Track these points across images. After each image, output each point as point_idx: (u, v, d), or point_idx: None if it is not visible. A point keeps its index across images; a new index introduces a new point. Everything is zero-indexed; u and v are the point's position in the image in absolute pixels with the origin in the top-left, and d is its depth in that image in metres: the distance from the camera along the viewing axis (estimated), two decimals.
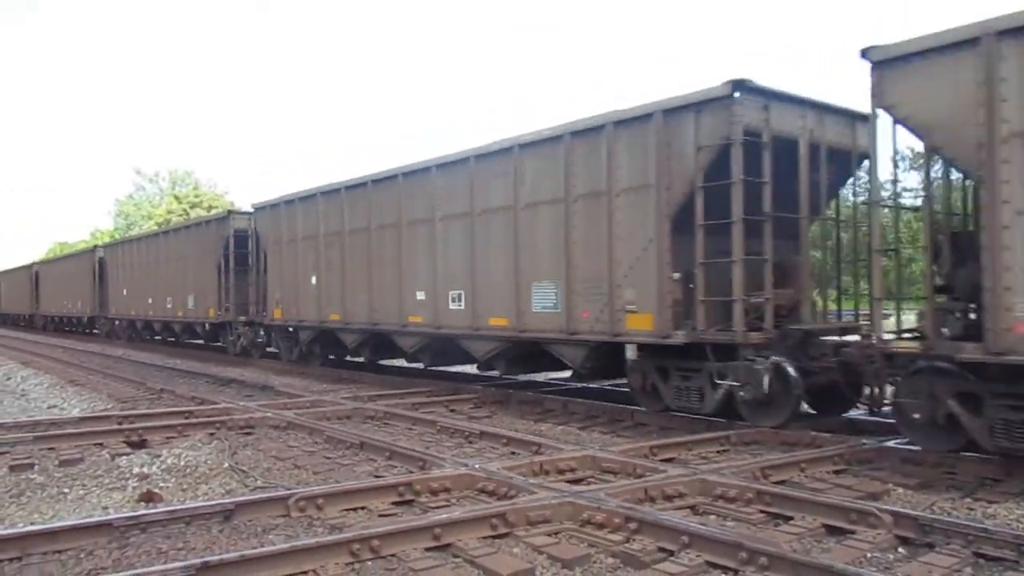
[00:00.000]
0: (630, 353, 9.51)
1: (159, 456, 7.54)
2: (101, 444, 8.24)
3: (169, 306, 22.60)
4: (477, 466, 6.55)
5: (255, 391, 13.12)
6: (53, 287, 35.43)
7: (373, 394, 11.83)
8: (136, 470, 7.06)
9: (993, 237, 6.30)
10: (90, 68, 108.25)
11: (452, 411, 10.60)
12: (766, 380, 8.05)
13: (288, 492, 5.83)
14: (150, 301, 23.97)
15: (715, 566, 4.45)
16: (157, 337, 25.11)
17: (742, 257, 8.29)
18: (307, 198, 15.96)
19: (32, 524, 5.46)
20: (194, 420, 9.37)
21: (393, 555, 4.67)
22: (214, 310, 19.68)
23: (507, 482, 5.99)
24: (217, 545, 4.94)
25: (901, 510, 5.23)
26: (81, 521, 5.23)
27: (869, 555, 4.65)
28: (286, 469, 7.21)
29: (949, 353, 6.61)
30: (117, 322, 27.94)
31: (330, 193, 15.16)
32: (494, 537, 5.01)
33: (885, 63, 6.91)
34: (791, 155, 8.94)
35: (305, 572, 4.41)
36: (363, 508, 5.75)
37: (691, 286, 8.76)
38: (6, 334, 35.50)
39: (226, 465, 7.23)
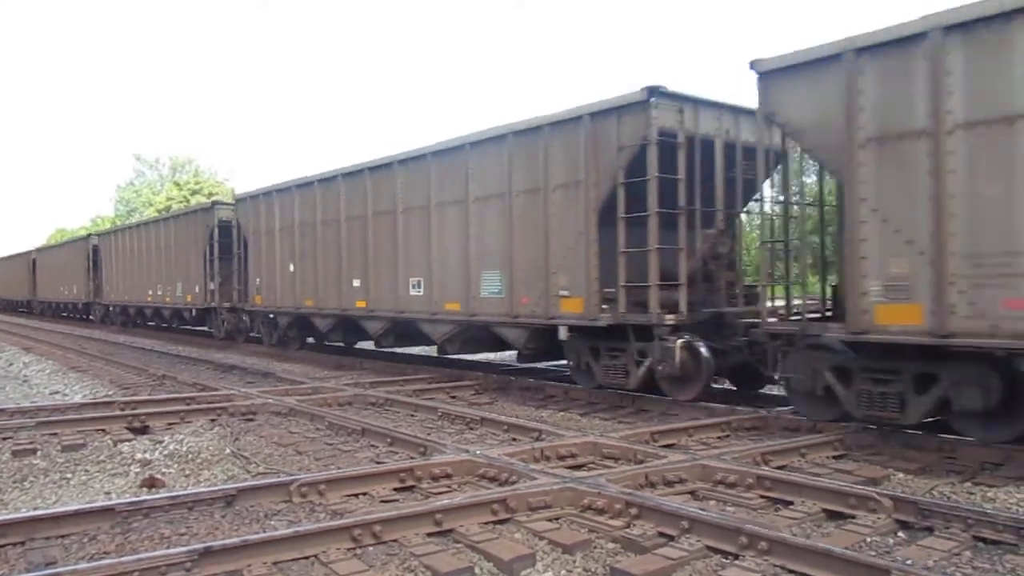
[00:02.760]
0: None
1: (161, 442, 7.56)
2: (104, 430, 8.26)
3: (159, 292, 23.05)
4: (478, 452, 6.57)
5: (256, 378, 13.13)
6: (50, 274, 35.37)
7: (374, 380, 11.85)
8: (138, 456, 7.08)
9: (852, 231, 7.03)
10: (91, 54, 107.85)
11: (453, 398, 10.61)
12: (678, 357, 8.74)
13: (290, 478, 5.84)
14: (143, 288, 24.43)
15: (715, 551, 4.46)
16: (150, 323, 25.79)
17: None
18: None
19: (35, 509, 5.49)
20: (196, 406, 9.39)
21: (395, 540, 4.68)
22: (197, 296, 20.42)
23: (508, 468, 6.00)
24: (219, 530, 4.96)
25: (901, 494, 5.25)
26: (84, 506, 5.25)
27: (869, 539, 4.66)
28: (288, 455, 7.22)
29: (818, 332, 7.47)
30: (111, 308, 28.19)
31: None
32: (495, 522, 5.03)
33: (767, 74, 7.72)
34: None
35: (307, 557, 4.43)
36: (365, 494, 5.77)
37: None
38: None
39: (228, 451, 7.25)
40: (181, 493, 5.54)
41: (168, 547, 4.54)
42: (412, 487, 5.94)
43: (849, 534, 4.72)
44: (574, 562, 4.43)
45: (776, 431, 7.74)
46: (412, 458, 6.76)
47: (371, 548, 4.60)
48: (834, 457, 6.77)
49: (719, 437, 7.67)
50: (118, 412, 9.01)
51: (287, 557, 4.39)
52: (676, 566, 4.27)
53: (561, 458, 6.63)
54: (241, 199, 18.90)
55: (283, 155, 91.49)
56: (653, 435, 7.37)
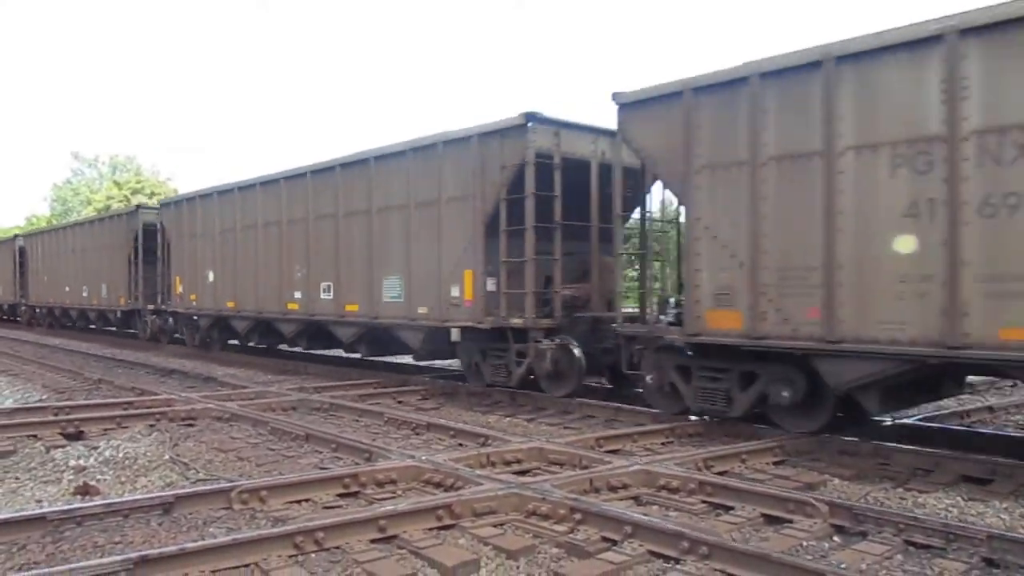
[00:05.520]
0: None
1: (96, 448, 7.35)
2: (35, 436, 7.99)
3: (85, 295, 23.29)
4: (424, 458, 6.54)
5: (197, 382, 12.86)
6: None
7: (319, 385, 11.70)
8: (72, 462, 6.87)
9: (689, 246, 8.19)
10: (26, 46, 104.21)
11: (400, 403, 10.55)
12: (549, 357, 9.87)
13: (230, 484, 5.74)
14: (67, 289, 24.62)
15: (657, 555, 4.52)
16: (70, 325, 25.79)
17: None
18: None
19: None
20: (133, 411, 9.14)
21: (337, 547, 4.63)
22: (124, 298, 20.71)
23: (454, 473, 5.99)
24: (156, 538, 4.84)
25: (836, 500, 5.39)
26: (13, 515, 5.07)
27: (805, 543, 4.77)
28: (229, 461, 7.09)
29: (661, 335, 8.55)
30: (38, 310, 28.36)
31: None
32: (440, 528, 5.01)
33: (625, 106, 8.84)
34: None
35: (247, 565, 4.35)
36: (307, 500, 5.69)
37: None
38: None
39: (166, 457, 7.08)
40: (116, 500, 5.40)
41: (102, 556, 4.41)
42: (356, 493, 5.88)
43: (786, 538, 4.83)
44: (518, 568, 4.44)
45: (718, 437, 7.88)
46: (357, 464, 6.70)
47: (313, 555, 4.54)
48: (774, 463, 6.92)
49: (663, 443, 7.77)
50: (51, 417, 8.73)
51: (226, 565, 4.30)
52: (619, 570, 4.32)
53: (507, 464, 6.64)
54: (165, 203, 19.67)
55: (234, 156, 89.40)
56: (598, 441, 7.43)
